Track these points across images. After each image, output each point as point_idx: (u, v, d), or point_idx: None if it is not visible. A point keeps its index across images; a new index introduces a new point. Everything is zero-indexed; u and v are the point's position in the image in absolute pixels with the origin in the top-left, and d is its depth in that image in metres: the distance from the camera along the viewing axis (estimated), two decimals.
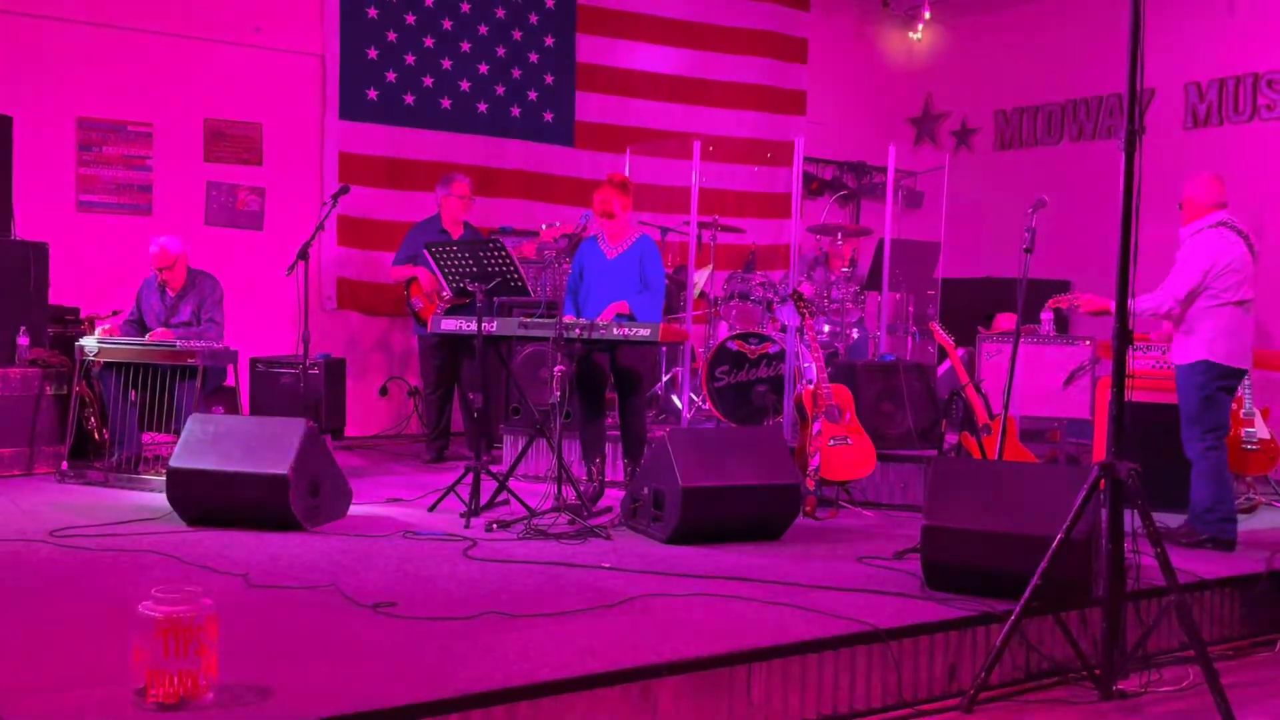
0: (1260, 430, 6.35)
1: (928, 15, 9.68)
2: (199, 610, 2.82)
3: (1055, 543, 3.75)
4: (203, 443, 5.07)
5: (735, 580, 4.25)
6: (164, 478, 5.14)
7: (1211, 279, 5.18)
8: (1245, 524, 5.61)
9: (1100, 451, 6.35)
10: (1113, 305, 5.33)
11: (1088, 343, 6.74)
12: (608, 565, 4.46)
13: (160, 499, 5.24)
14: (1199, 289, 5.18)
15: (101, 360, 6.18)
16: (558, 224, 6.59)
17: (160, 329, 6.35)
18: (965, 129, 10.39)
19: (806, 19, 10.31)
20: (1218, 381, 5.20)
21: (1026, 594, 3.74)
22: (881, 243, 7.42)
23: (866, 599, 4.05)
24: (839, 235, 7.69)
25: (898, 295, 7.83)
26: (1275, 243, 7.58)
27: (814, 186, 9.87)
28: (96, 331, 6.33)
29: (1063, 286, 9.06)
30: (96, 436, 6.45)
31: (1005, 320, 7.53)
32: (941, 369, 7.38)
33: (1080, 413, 6.66)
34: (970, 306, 8.27)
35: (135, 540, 4.67)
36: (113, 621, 3.46)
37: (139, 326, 6.50)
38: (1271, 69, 8.05)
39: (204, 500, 5.00)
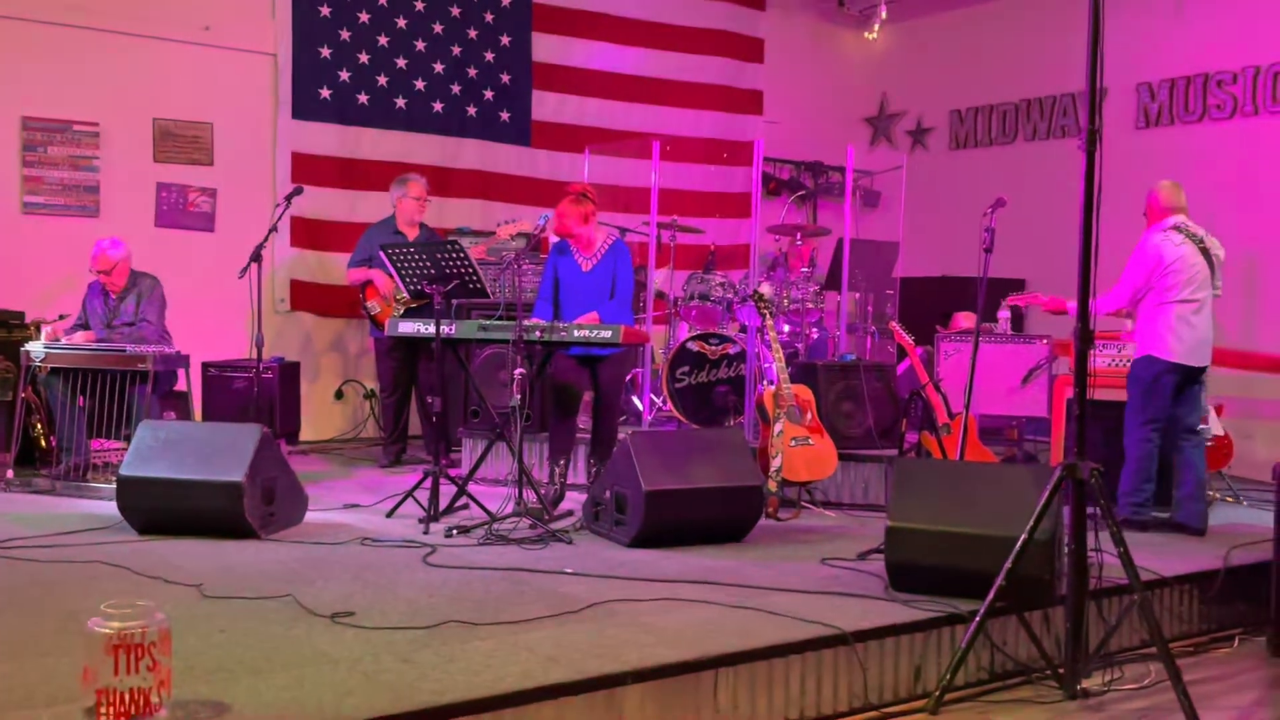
0: (1214, 427, 6.42)
1: (884, 14, 9.70)
2: (151, 625, 2.74)
3: (1019, 542, 3.75)
4: (154, 450, 4.96)
5: (700, 584, 4.22)
6: (114, 486, 5.01)
7: (1155, 279, 5.46)
8: None
9: (1058, 449, 6.41)
10: (1071, 306, 5.46)
11: (1045, 341, 6.78)
12: (570, 570, 4.41)
13: (110, 508, 5.12)
14: (1144, 289, 5.47)
15: (48, 366, 6.03)
16: (513, 221, 6.50)
17: (87, 332, 6.23)
18: (920, 128, 10.43)
19: (763, 19, 10.31)
20: (1165, 377, 5.46)
21: (991, 594, 3.74)
22: (841, 242, 7.42)
23: (831, 601, 4.03)
24: (798, 235, 7.68)
25: (857, 295, 7.84)
26: (1226, 241, 7.65)
27: (771, 186, 9.86)
28: (42, 336, 6.19)
29: (1018, 285, 9.12)
30: (44, 444, 6.30)
31: (963, 319, 7.56)
32: (901, 368, 7.40)
33: (1038, 411, 6.70)
34: (928, 305, 8.31)
35: (84, 551, 4.56)
36: (61, 638, 3.37)
37: (85, 331, 6.37)
38: (1221, 70, 8.16)
39: (156, 509, 4.88)
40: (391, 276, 6.09)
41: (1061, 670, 3.87)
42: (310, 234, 8.25)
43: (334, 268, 8.07)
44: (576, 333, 5.35)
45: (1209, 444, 6.24)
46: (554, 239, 5.91)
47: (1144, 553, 4.79)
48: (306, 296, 8.30)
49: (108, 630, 2.69)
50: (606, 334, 5.32)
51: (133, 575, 4.18)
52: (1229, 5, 8.12)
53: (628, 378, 7.31)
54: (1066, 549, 3.85)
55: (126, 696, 2.68)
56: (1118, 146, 7.99)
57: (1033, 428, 7.06)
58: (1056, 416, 6.46)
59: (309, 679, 3.09)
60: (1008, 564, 3.74)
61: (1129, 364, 5.83)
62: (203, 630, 3.50)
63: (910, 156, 9.08)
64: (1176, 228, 5.52)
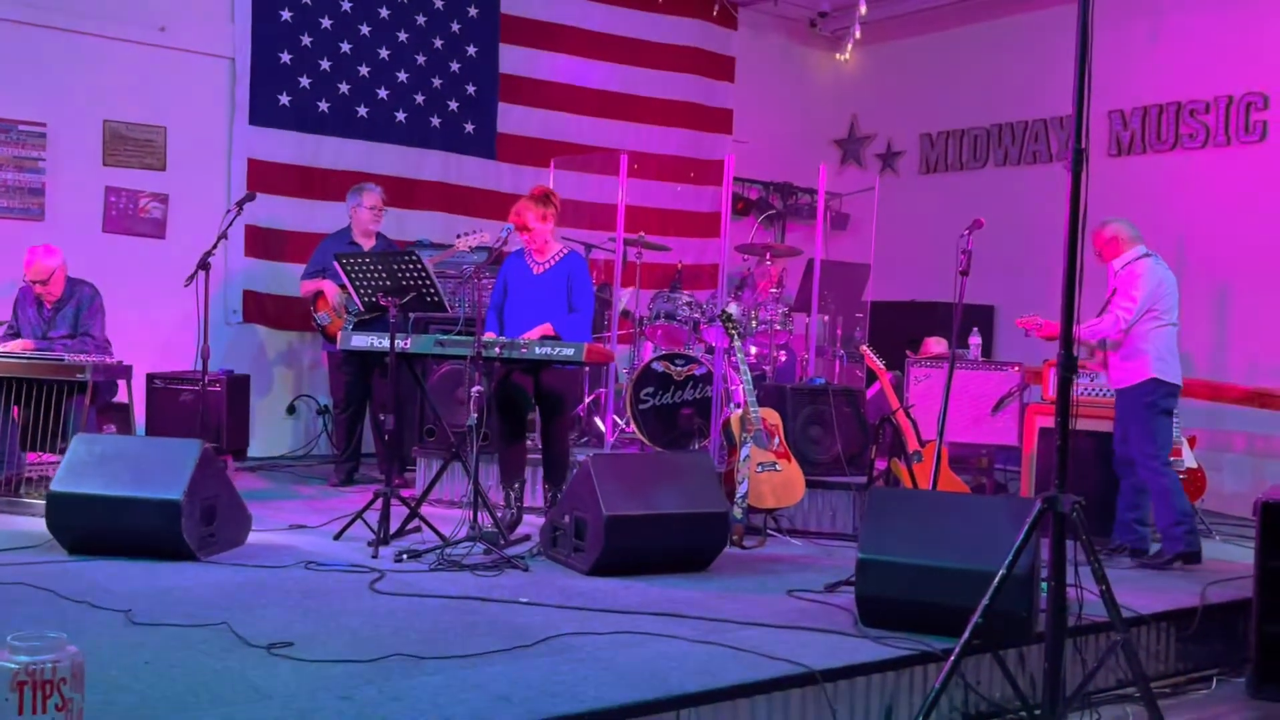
0: (1187, 459, 6.32)
1: (858, 35, 9.61)
2: (62, 658, 2.50)
3: (998, 578, 3.58)
4: (88, 464, 4.69)
5: (662, 616, 4.02)
6: None
7: (1154, 302, 5.43)
8: None
9: (1029, 478, 6.28)
10: (1077, 330, 5.37)
11: (1016, 369, 6.66)
12: (525, 600, 4.19)
13: (42, 525, 4.83)
14: (1142, 311, 5.41)
15: None
16: (472, 233, 6.30)
17: (25, 340, 5.95)
18: (891, 151, 10.35)
19: (735, 38, 10.20)
20: (1165, 400, 5.44)
21: (967, 632, 3.56)
22: (811, 263, 7.28)
23: (799, 636, 3.85)
24: (767, 255, 7.54)
25: (826, 317, 7.69)
26: (1197, 270, 7.62)
27: (740, 206, 9.72)
28: None
29: (988, 311, 9.05)
30: None
31: (933, 344, 7.43)
32: (870, 393, 7.25)
33: (1008, 439, 6.57)
34: (897, 330, 8.18)
35: (9, 572, 4.28)
36: None
37: (16, 338, 6.08)
38: (1193, 98, 8.12)
39: (88, 527, 4.62)
40: (344, 287, 5.85)
41: (1038, 711, 3.69)
42: (265, 244, 8.00)
43: (289, 279, 7.81)
44: (539, 349, 5.15)
45: (1182, 477, 6.14)
46: (508, 248, 5.72)
47: (1120, 589, 4.64)
48: (260, 308, 8.05)
49: (12, 665, 2.44)
50: (569, 351, 5.12)
51: (57, 599, 3.92)
52: (1203, 35, 8.09)
53: (590, 397, 7.12)
54: (1044, 585, 3.69)
55: None
56: (1090, 173, 7.93)
57: (1002, 456, 6.93)
58: (1027, 445, 6.33)
59: (239, 716, 2.85)
60: (985, 600, 3.57)
61: (1107, 394, 5.74)
62: (127, 661, 3.25)
63: (880, 179, 8.96)
64: (1151, 254, 5.54)
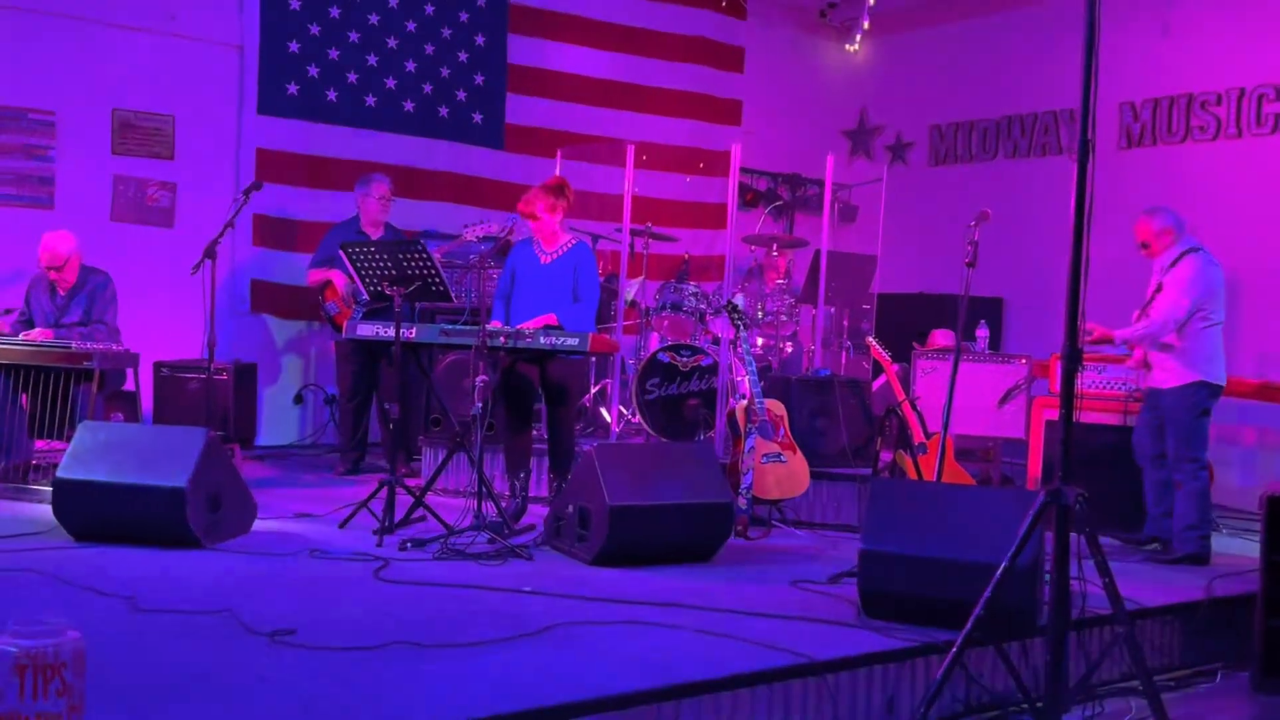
0: None
1: (866, 26, 9.57)
2: (63, 644, 2.51)
3: (1000, 570, 3.57)
4: (94, 452, 4.71)
5: (665, 606, 4.01)
6: None
7: (1204, 301, 5.30)
8: None
9: (1035, 471, 6.26)
10: (1115, 335, 5.36)
11: (1023, 361, 6.63)
12: (528, 589, 4.19)
13: (49, 511, 4.85)
14: (1193, 313, 5.28)
15: None
16: (480, 224, 6.29)
17: (43, 329, 5.96)
18: (900, 143, 10.31)
19: (743, 28, 10.15)
20: (1210, 401, 5.36)
21: (969, 624, 3.56)
22: (818, 255, 7.26)
23: (802, 627, 3.84)
24: (774, 247, 7.52)
25: (832, 309, 7.67)
26: None
27: (749, 197, 9.70)
28: None
29: (996, 304, 9.02)
30: None
31: (940, 336, 7.41)
32: (876, 385, 7.23)
33: (1015, 432, 6.54)
34: (904, 322, 8.15)
35: (15, 558, 4.30)
36: None
37: (29, 327, 6.10)
38: (1205, 90, 8.07)
39: (93, 514, 4.64)
40: (351, 277, 5.86)
41: (1040, 704, 3.68)
42: (273, 233, 8.01)
43: (297, 268, 7.81)
44: (543, 339, 5.15)
45: None
46: (515, 238, 5.72)
47: (1124, 581, 4.63)
48: (268, 297, 8.06)
49: (13, 650, 2.45)
50: (573, 341, 5.12)
51: (62, 585, 3.94)
52: (1215, 26, 8.04)
53: (596, 388, 7.12)
54: (1047, 577, 3.68)
55: None
56: (1100, 166, 7.90)
57: (1009, 449, 6.90)
58: (1034, 438, 6.31)
59: (240, 704, 2.86)
60: (987, 593, 3.56)
61: (1115, 387, 5.72)
62: (131, 648, 3.26)
63: (889, 171, 8.94)
64: (1200, 249, 5.42)
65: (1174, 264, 5.37)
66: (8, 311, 6.26)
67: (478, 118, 8.82)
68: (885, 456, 6.10)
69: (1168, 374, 5.39)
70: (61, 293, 6.14)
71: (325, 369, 8.21)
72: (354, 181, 7.12)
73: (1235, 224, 7.79)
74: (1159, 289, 5.40)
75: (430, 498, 5.37)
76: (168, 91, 7.66)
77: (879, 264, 7.86)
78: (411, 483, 5.59)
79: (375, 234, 6.86)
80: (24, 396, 5.82)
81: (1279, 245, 7.59)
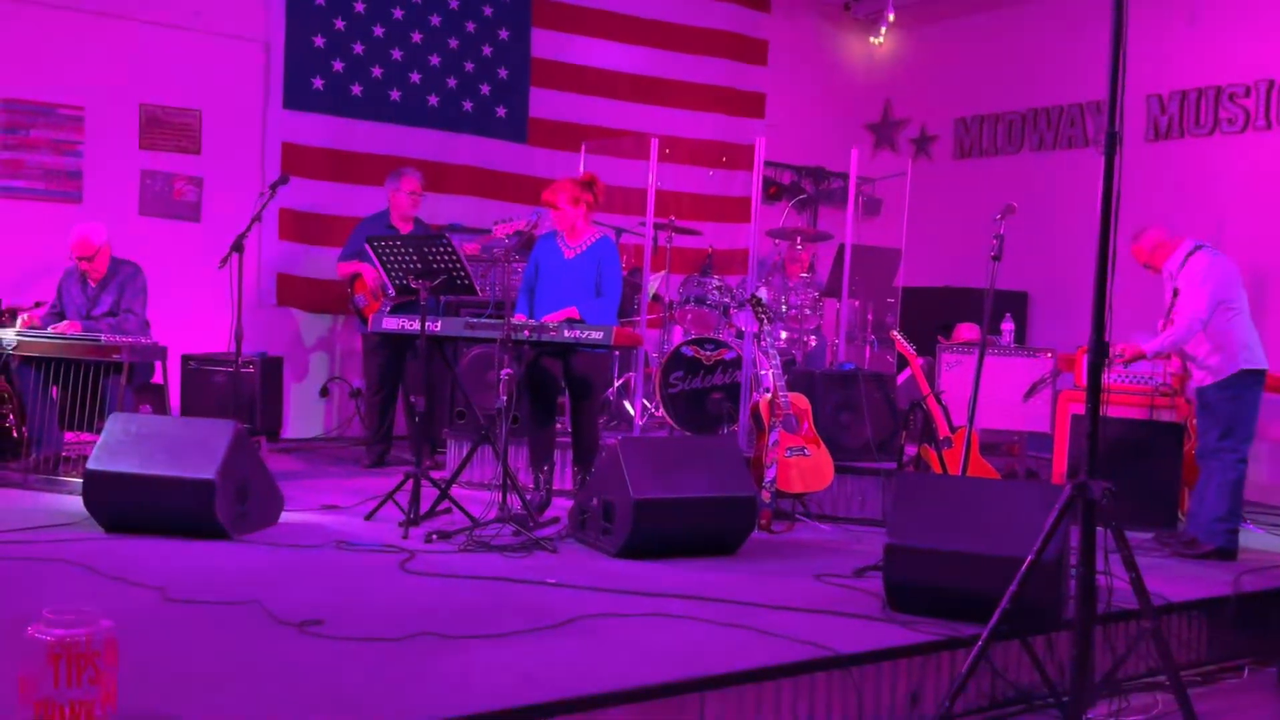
0: None
1: (891, 18, 9.53)
2: (95, 633, 2.55)
3: (1025, 564, 3.56)
4: (124, 444, 4.76)
5: (688, 599, 4.03)
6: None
7: (1224, 291, 5.29)
8: None
9: (1061, 465, 6.23)
10: (1146, 349, 5.35)
11: (1049, 355, 6.60)
12: (553, 581, 4.21)
13: (80, 503, 4.90)
14: (1214, 306, 5.26)
15: (21, 354, 5.84)
16: (508, 220, 6.32)
17: (72, 321, 6.03)
18: (925, 136, 10.27)
19: (767, 21, 10.13)
20: (1253, 388, 5.33)
21: (994, 618, 3.55)
22: (841, 249, 7.24)
23: (826, 620, 3.85)
24: (798, 240, 7.51)
25: (856, 303, 7.66)
26: (1235, 257, 7.48)
27: (772, 191, 9.68)
28: (17, 323, 5.99)
29: (1021, 298, 8.98)
30: (15, 435, 6.09)
31: (965, 330, 7.38)
32: (900, 379, 7.21)
33: (1040, 426, 6.52)
34: (929, 316, 8.12)
35: (47, 549, 4.36)
36: (5, 643, 3.16)
37: (60, 319, 6.17)
38: (1233, 82, 7.99)
39: (124, 505, 4.69)
40: (377, 270, 5.89)
41: (1065, 699, 3.67)
42: (300, 227, 8.06)
43: (323, 262, 7.87)
44: (567, 332, 5.17)
45: None
46: (540, 233, 5.73)
47: (1152, 576, 4.61)
48: (294, 291, 8.11)
49: (47, 638, 2.49)
50: (597, 335, 5.13)
51: (94, 575, 3.99)
52: (1243, 18, 7.96)
53: (619, 381, 7.14)
54: (1073, 572, 3.67)
55: (67, 710, 2.49)
56: (1127, 159, 7.84)
57: (1034, 443, 6.87)
58: (1060, 433, 6.28)
59: (269, 692, 2.90)
60: (1013, 587, 3.56)
61: (1141, 380, 5.68)
62: (161, 637, 3.30)
63: (914, 164, 8.90)
64: (1201, 245, 5.42)
65: (1182, 266, 5.39)
66: (38, 304, 6.33)
67: (501, 112, 8.84)
68: (910, 450, 6.09)
69: (1208, 372, 5.37)
70: (93, 284, 6.21)
71: (351, 362, 8.27)
72: (380, 175, 7.17)
73: (1264, 217, 7.72)
74: (1176, 294, 5.40)
75: (455, 490, 5.40)
76: (194, 87, 7.72)
77: (903, 258, 7.84)
78: (437, 475, 5.61)
79: (404, 228, 6.89)
80: (54, 389, 5.89)
81: None
